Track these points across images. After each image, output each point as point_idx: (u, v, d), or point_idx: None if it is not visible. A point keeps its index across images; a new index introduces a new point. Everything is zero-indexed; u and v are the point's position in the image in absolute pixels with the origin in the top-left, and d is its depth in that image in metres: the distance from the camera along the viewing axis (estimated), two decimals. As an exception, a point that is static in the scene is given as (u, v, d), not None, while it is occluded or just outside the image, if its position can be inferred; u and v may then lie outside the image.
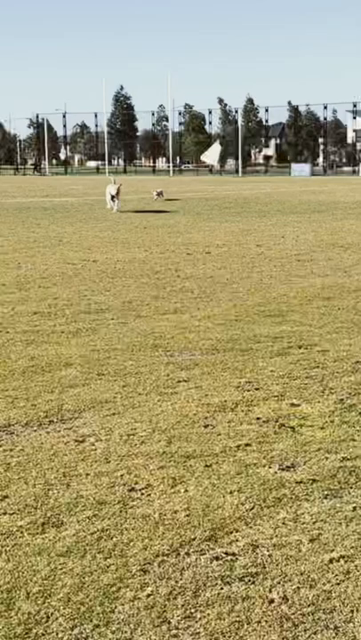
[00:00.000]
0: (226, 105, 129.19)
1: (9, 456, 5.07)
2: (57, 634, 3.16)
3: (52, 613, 3.30)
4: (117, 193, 28.03)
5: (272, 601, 3.42)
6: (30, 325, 9.00)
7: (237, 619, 3.29)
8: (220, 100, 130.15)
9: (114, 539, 3.96)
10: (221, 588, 3.51)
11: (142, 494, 4.52)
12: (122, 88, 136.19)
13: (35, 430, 5.57)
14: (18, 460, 5.00)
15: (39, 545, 3.89)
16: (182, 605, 3.38)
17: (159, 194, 35.39)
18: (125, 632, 3.18)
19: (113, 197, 28.00)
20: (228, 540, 3.95)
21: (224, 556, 3.79)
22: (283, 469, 4.84)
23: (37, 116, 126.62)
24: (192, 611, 3.34)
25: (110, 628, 3.21)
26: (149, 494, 4.52)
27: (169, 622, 3.26)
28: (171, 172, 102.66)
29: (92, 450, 5.21)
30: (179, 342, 8.18)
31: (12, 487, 4.59)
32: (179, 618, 3.29)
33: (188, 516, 4.22)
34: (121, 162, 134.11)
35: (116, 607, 3.35)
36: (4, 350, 7.79)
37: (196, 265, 14.27)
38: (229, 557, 3.78)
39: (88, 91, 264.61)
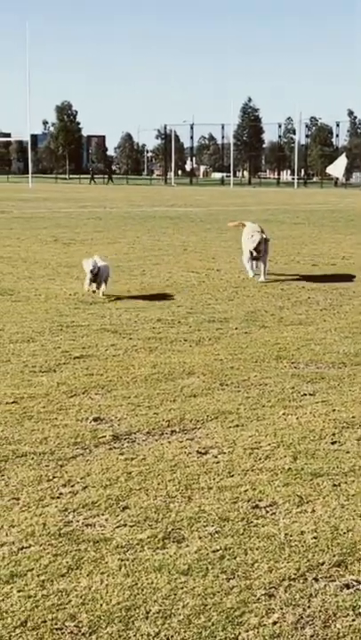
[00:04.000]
0: (355, 117, 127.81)
1: (130, 465, 4.93)
2: (177, 659, 2.98)
3: (172, 636, 3.11)
4: (259, 249, 13.28)
5: None
6: (153, 332, 8.89)
7: (371, 655, 3.03)
8: (350, 113, 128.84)
9: (237, 558, 3.75)
10: (353, 620, 3.26)
11: (267, 512, 4.30)
12: (250, 100, 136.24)
13: (156, 440, 5.42)
14: (139, 470, 4.85)
15: (159, 561, 3.71)
16: (311, 636, 3.14)
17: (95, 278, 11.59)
18: (250, 662, 2.97)
19: (255, 257, 13.46)
20: (360, 567, 3.68)
21: (355, 584, 3.54)
22: None
23: (165, 127, 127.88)
24: (321, 643, 3.10)
25: (234, 656, 3.00)
26: (274, 512, 4.29)
27: (297, 654, 3.03)
28: (295, 184, 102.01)
29: (214, 462, 5.02)
30: (304, 354, 7.92)
31: (132, 498, 4.43)
32: (307, 650, 3.06)
33: (315, 538, 3.98)
34: (246, 173, 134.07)
35: (239, 634, 3.14)
36: (127, 357, 7.70)
37: (321, 277, 13.96)
38: (361, 586, 3.52)
39: (215, 103, 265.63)
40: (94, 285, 11.32)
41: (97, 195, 58.32)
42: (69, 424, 5.68)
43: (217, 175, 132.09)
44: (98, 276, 11.22)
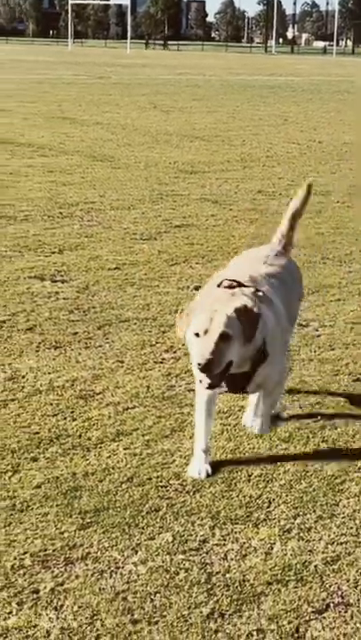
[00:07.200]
0: None
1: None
2: (279, 521, 3.05)
3: (273, 499, 3.19)
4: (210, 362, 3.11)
5: None
6: (253, 204, 8.80)
7: None
8: None
9: (338, 429, 3.78)
10: None
11: (368, 386, 4.30)
12: None
13: (257, 310, 5.42)
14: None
15: (261, 427, 3.77)
16: None
17: None
18: (351, 528, 3.02)
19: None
20: None
21: None
22: None
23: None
24: None
25: (335, 521, 3.06)
26: (376, 387, 4.30)
27: None
28: None
29: (315, 335, 5.02)
30: None
31: (234, 366, 4.47)
32: None
33: None
34: (349, 43, 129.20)
35: (340, 500, 3.20)
36: (228, 227, 7.66)
37: None
38: None
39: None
40: None
41: (195, 62, 57.09)
42: (171, 292, 5.72)
43: (319, 44, 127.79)
44: None
